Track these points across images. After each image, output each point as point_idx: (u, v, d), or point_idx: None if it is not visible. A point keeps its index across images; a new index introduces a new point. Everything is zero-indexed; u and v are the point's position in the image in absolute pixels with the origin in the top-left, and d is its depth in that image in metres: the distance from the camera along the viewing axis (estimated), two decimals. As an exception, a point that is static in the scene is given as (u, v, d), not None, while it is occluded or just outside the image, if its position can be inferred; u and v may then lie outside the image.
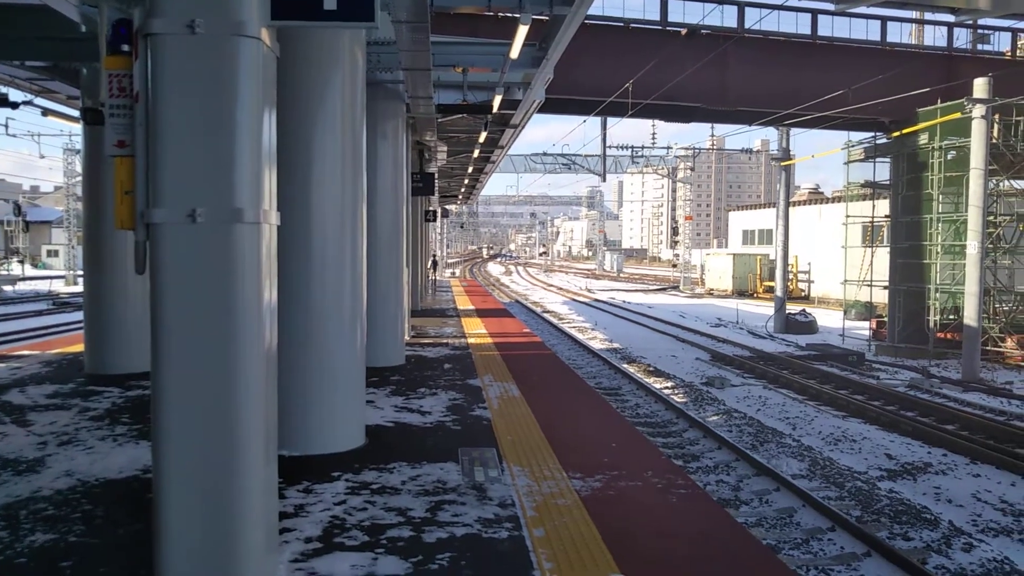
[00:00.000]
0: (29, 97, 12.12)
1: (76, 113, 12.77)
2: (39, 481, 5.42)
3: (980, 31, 21.79)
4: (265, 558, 3.47)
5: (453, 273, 60.10)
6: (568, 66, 13.04)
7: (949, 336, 19.68)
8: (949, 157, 20.08)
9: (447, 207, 46.72)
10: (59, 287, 40.48)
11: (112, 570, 4.03)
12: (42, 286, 40.63)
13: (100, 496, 5.16)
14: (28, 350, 12.15)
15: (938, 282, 20.06)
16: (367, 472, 5.71)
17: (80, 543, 4.36)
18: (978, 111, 17.58)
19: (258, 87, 3.45)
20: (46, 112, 12.89)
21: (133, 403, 7.98)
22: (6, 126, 27.70)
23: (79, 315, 18.87)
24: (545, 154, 41.23)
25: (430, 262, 29.35)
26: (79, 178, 37.60)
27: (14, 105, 11.40)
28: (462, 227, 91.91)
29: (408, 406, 8.04)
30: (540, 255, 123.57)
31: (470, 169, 24.75)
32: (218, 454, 3.34)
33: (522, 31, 7.84)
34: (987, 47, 21.96)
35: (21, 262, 48.76)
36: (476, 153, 19.33)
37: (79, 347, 10.94)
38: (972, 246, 17.78)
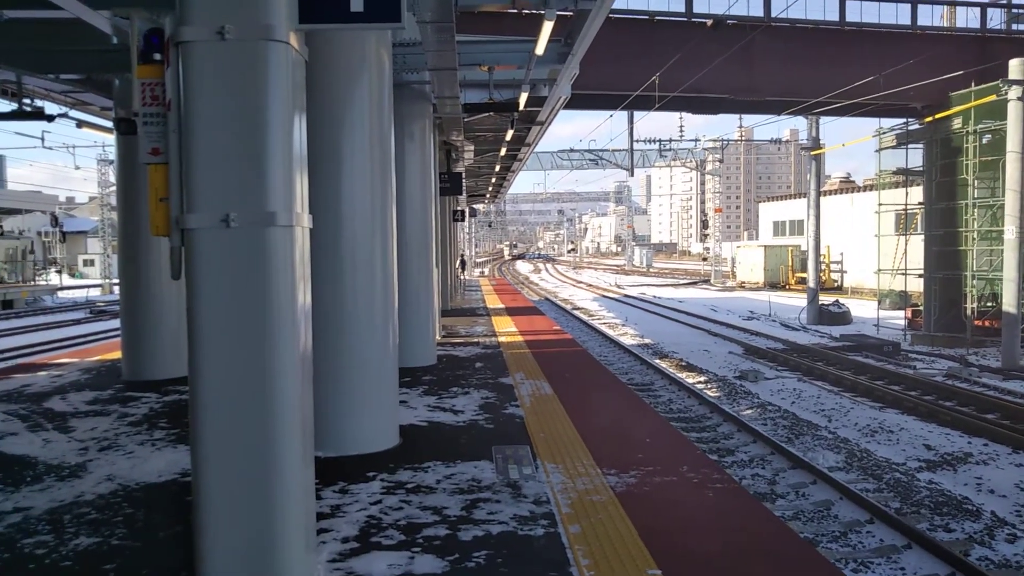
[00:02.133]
0: (64, 110, 12.34)
1: (109, 124, 12.97)
2: (82, 486, 5.52)
3: (1014, 11, 21.36)
4: (304, 558, 3.51)
5: (482, 272, 60.22)
6: (594, 61, 12.99)
7: (987, 323, 19.32)
8: (984, 141, 19.70)
9: (475, 206, 46.81)
10: (96, 295, 41.16)
11: (154, 572, 4.09)
12: (80, 295, 41.35)
13: (141, 500, 5.24)
14: (68, 358, 12.38)
15: (975, 269, 19.70)
16: (402, 472, 5.74)
17: (123, 546, 4.43)
18: (1014, 92, 17.21)
19: (288, 91, 3.48)
20: (80, 124, 13.11)
21: (170, 408, 8.09)
22: (42, 139, 28.18)
23: (116, 323, 19.20)
24: (572, 150, 41.12)
25: (458, 262, 29.44)
26: (113, 188, 38.22)
27: (50, 118, 11.60)
28: (490, 226, 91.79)
29: (441, 405, 8.07)
30: (569, 252, 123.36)
31: (497, 168, 24.76)
32: (256, 457, 3.37)
33: (547, 27, 7.83)
34: (1022, 27, 21.51)
35: (59, 272, 49.63)
36: (503, 151, 19.34)
37: (117, 354, 11.12)
38: (1010, 231, 17.43)
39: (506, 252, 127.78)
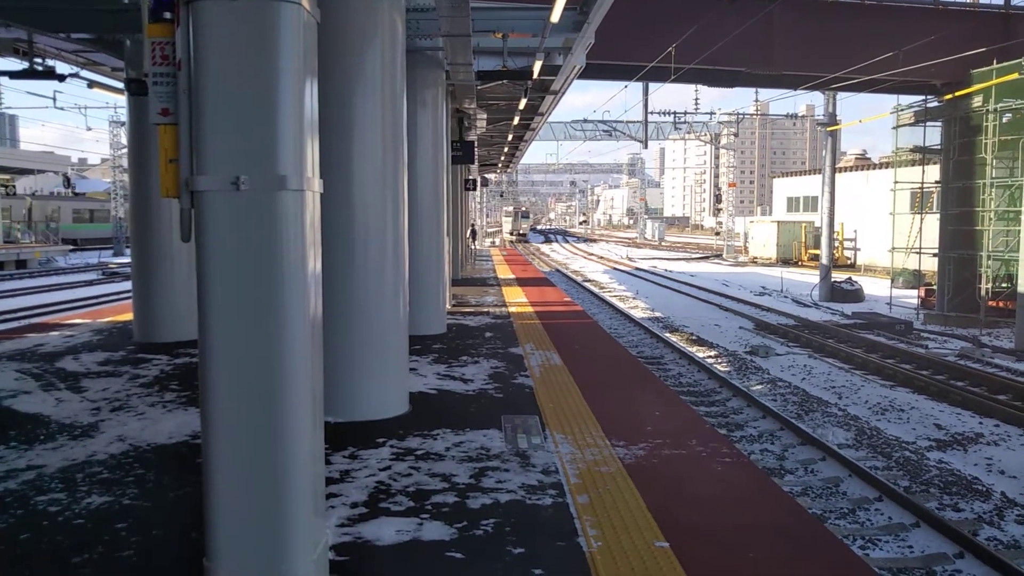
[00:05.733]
0: (75, 70, 12.28)
1: (121, 85, 12.92)
2: (94, 445, 5.56)
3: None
4: (313, 522, 3.51)
5: (493, 243, 60.15)
6: (609, 30, 12.79)
7: (1001, 304, 19.19)
8: (1004, 120, 19.42)
9: (486, 176, 46.63)
10: (108, 257, 41.36)
11: (165, 531, 4.12)
12: (92, 256, 41.55)
13: (151, 460, 5.28)
14: (80, 319, 12.45)
15: (991, 249, 19.52)
16: (411, 438, 5.75)
17: (134, 505, 4.47)
18: (1036, 71, 16.94)
19: (299, 53, 3.42)
20: (92, 84, 13.05)
21: (181, 370, 8.13)
22: (54, 99, 28.11)
23: (128, 285, 19.29)
24: (585, 121, 40.84)
25: (469, 231, 29.36)
26: (125, 150, 38.18)
27: (61, 77, 11.56)
28: (501, 196, 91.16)
29: (451, 374, 8.08)
30: (580, 224, 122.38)
31: (510, 137, 24.61)
32: (266, 420, 3.36)
33: (563, -6, 7.71)
34: (1047, 4, 21.10)
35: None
36: (516, 120, 19.20)
37: (128, 316, 11.18)
38: (1028, 212, 17.24)
39: (506, 227, 76.05)
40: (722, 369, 13.92)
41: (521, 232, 74.91)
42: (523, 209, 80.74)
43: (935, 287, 21.93)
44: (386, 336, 6.53)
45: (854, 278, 27.91)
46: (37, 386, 7.40)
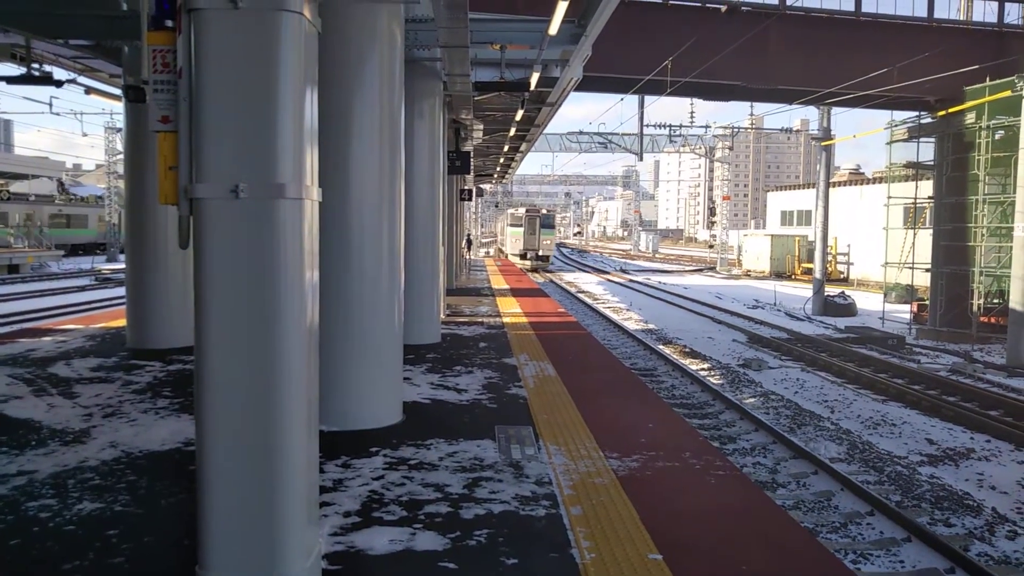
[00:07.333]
0: (72, 76, 12.27)
1: (118, 91, 12.90)
2: (85, 452, 5.54)
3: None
4: (306, 531, 3.50)
5: (487, 253, 60.17)
6: (606, 43, 12.87)
7: (993, 320, 19.28)
8: (997, 137, 19.57)
9: (482, 186, 46.63)
10: (101, 263, 41.22)
11: (156, 539, 4.11)
12: (85, 262, 41.41)
13: (143, 467, 5.26)
14: (73, 324, 12.41)
15: (983, 265, 19.62)
16: (405, 448, 5.75)
17: (125, 512, 4.45)
18: (1029, 89, 17.06)
19: (300, 62, 3.44)
20: (89, 90, 13.03)
21: (174, 377, 8.11)
22: (50, 104, 28.11)
23: (121, 291, 19.23)
24: (581, 133, 40.99)
25: (464, 241, 29.38)
26: (120, 156, 38.14)
27: (58, 83, 11.54)
28: (496, 206, 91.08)
29: (444, 383, 8.08)
30: (574, 235, 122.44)
31: (506, 148, 24.66)
32: (261, 429, 3.36)
33: (561, 7, 7.74)
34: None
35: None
36: (512, 132, 19.24)
37: (121, 322, 11.14)
38: (1019, 228, 17.29)
39: (512, 245, 47.55)
40: (715, 382, 13.94)
41: (541, 255, 46.09)
42: (542, 211, 49.26)
43: (927, 302, 22.03)
44: (380, 345, 6.53)
45: (847, 292, 28.00)
46: (29, 391, 7.37)
